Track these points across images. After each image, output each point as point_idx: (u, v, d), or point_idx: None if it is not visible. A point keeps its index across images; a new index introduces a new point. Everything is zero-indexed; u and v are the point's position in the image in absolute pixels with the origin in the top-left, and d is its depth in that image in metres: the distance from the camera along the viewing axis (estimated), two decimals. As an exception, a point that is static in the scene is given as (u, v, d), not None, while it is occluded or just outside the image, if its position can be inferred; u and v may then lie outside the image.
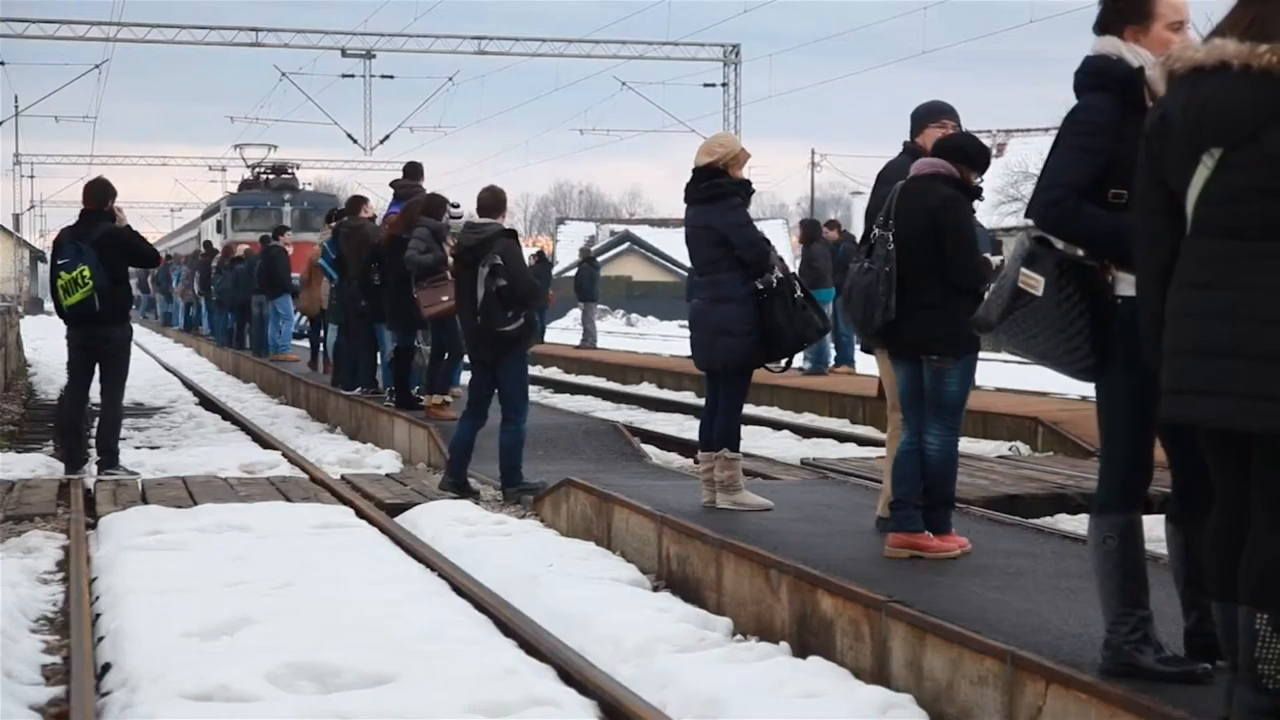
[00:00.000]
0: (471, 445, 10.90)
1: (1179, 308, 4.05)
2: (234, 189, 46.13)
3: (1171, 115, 4.07)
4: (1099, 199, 4.63)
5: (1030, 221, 4.83)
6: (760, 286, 8.09)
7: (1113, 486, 4.74)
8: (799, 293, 8.11)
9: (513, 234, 10.79)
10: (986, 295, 4.88)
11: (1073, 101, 4.82)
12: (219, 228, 40.80)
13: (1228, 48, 3.96)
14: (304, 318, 22.72)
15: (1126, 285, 4.60)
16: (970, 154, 6.87)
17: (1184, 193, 4.06)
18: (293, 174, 43.45)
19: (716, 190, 8.18)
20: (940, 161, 6.82)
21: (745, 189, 8.28)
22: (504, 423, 10.73)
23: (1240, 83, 3.92)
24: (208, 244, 41.85)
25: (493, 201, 10.85)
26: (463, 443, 10.91)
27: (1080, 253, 4.66)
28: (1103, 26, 4.82)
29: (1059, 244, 4.69)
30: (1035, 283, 4.66)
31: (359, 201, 16.64)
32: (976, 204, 6.96)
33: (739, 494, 8.24)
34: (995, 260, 6.98)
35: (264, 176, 43.47)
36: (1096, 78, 4.74)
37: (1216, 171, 3.97)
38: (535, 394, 21.70)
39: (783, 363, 8.33)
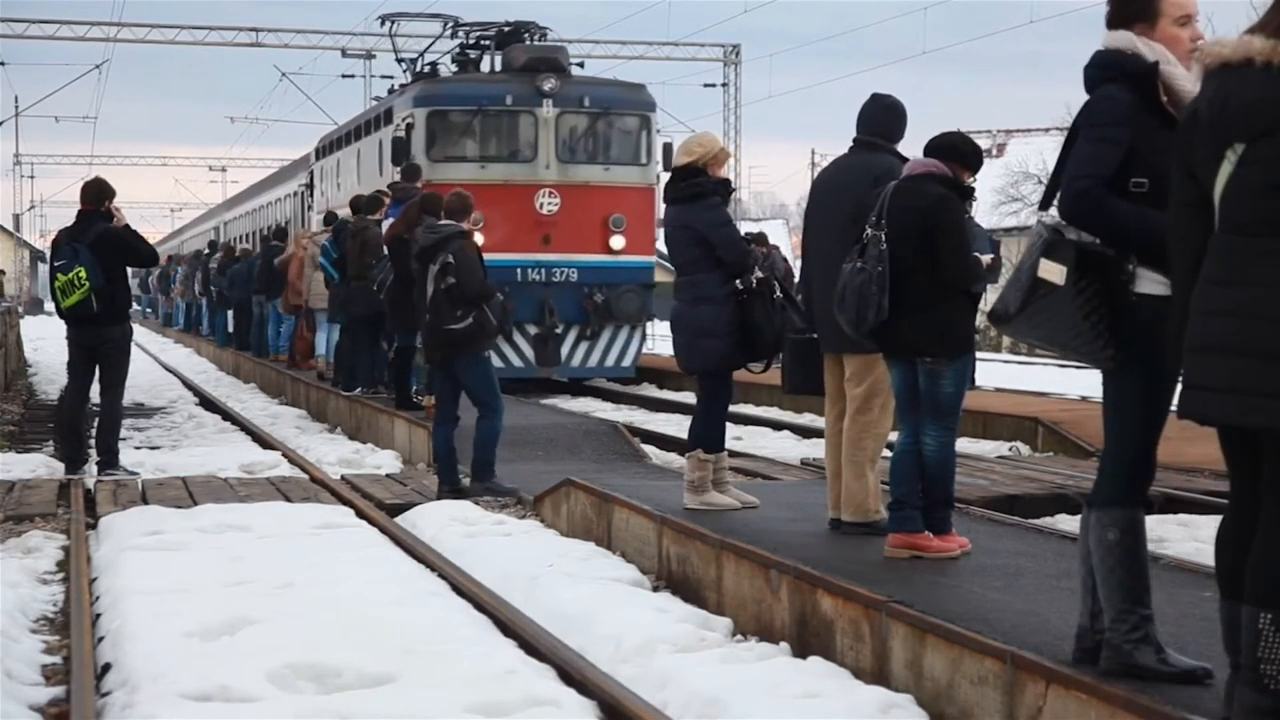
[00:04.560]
0: (453, 448, 10.89)
1: (1198, 303, 4.04)
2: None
3: (1200, 109, 4.07)
4: (1121, 188, 4.64)
5: (1046, 214, 4.81)
6: (740, 287, 8.10)
7: (1118, 482, 4.73)
8: (779, 293, 8.12)
9: (469, 235, 10.80)
10: (1003, 288, 4.83)
11: (1075, 101, 4.84)
12: (398, 152, 19.95)
13: (1254, 43, 3.96)
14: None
15: (1146, 282, 4.59)
16: (963, 153, 6.85)
17: (1212, 188, 4.05)
18: (544, 36, 22.47)
19: (696, 190, 8.18)
20: (933, 161, 6.80)
21: (724, 188, 8.29)
22: (479, 419, 10.75)
23: (1262, 78, 3.92)
24: (212, 243, 40.69)
25: (458, 205, 10.91)
26: (444, 449, 10.89)
27: (1098, 242, 4.63)
28: (1113, 23, 4.84)
29: (1072, 234, 4.67)
30: (1055, 272, 4.62)
31: (376, 201, 16.45)
32: (974, 203, 6.94)
33: (706, 494, 8.22)
34: (986, 259, 6.94)
35: (483, 46, 22.49)
36: (1109, 70, 4.77)
37: (1237, 167, 3.97)
38: (535, 394, 21.79)
39: (764, 363, 8.32)
